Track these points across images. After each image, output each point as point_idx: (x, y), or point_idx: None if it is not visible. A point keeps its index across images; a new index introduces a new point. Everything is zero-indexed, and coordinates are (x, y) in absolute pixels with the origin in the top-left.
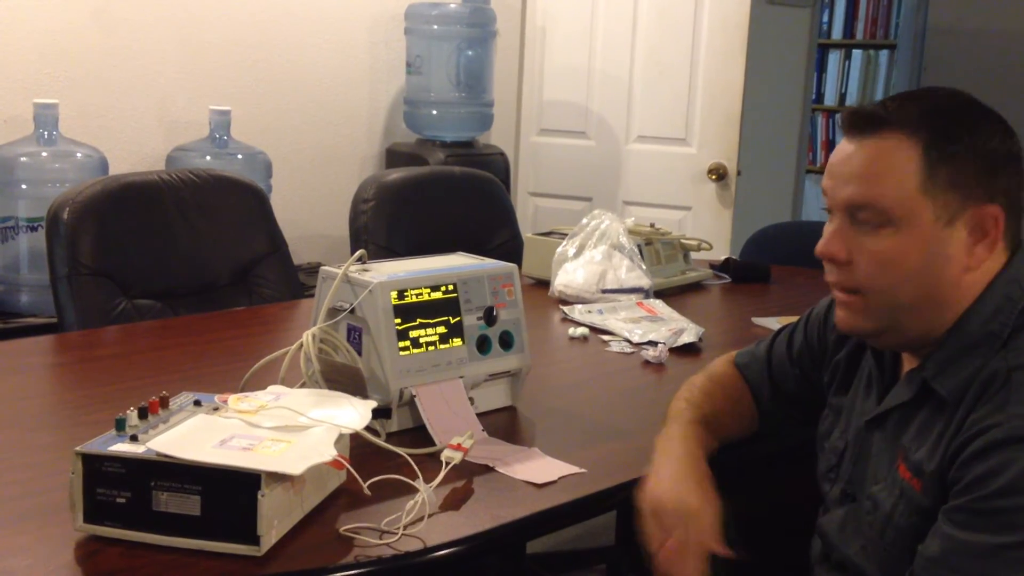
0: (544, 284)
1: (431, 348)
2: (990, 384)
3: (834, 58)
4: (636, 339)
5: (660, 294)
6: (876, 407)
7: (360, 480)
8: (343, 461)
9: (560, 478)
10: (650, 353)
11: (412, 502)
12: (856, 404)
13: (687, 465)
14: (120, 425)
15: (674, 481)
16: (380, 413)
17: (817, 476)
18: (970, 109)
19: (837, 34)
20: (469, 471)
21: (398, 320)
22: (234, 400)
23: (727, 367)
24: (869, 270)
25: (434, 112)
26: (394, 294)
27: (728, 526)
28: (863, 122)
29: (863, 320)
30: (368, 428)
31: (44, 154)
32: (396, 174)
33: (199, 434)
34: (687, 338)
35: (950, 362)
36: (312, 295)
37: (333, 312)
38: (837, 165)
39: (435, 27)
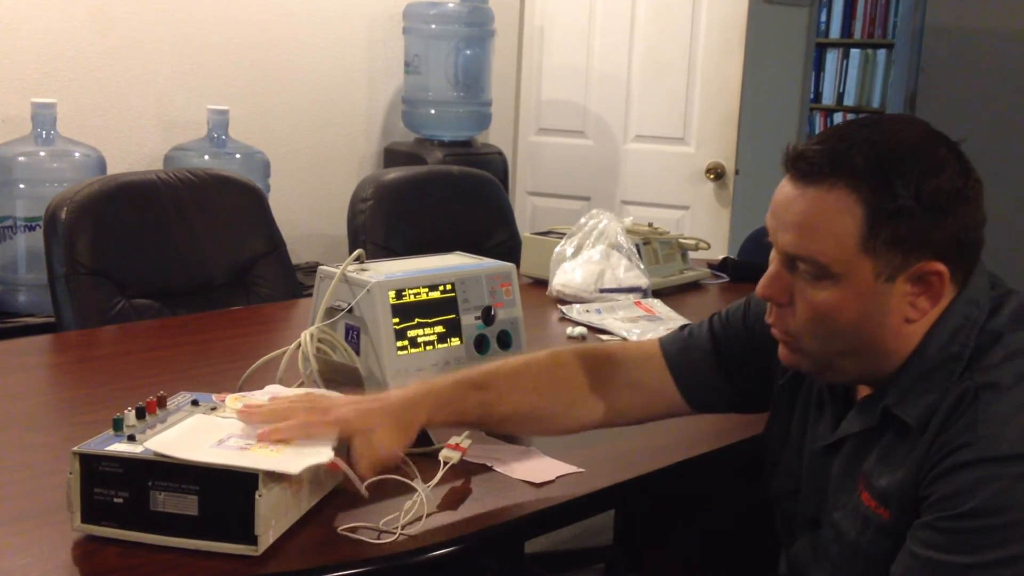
0: (542, 283)
1: (429, 347)
2: (958, 405)
3: (832, 57)
4: (634, 338)
5: (658, 293)
6: (831, 431)
7: (357, 481)
8: (340, 463)
9: (558, 477)
10: None
11: (410, 502)
12: (807, 424)
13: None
14: (117, 425)
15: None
16: None
17: (770, 492)
18: (920, 151)
19: (835, 33)
20: (467, 470)
21: (396, 319)
22: (232, 400)
23: (595, 349)
24: (805, 318)
25: (432, 111)
26: (392, 293)
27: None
28: (806, 169)
29: (800, 359)
30: None
31: (42, 154)
32: (394, 173)
33: (196, 434)
34: None
35: (911, 388)
36: (310, 294)
37: (331, 312)
38: (778, 207)
39: (433, 26)
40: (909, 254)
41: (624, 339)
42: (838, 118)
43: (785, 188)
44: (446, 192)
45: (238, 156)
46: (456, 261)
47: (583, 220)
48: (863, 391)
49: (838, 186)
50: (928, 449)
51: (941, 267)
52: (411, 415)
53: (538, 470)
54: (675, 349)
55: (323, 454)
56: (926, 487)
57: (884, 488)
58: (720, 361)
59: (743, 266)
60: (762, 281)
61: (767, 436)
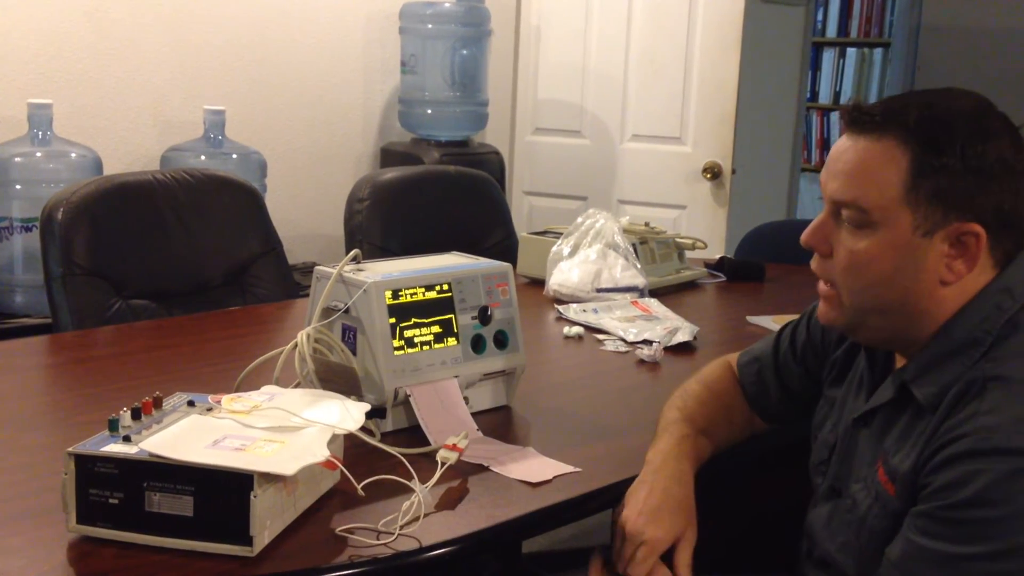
0: (539, 283)
1: (426, 348)
2: (967, 392)
3: (828, 56)
4: (631, 338)
5: (655, 293)
6: (864, 404)
7: (354, 481)
8: (336, 462)
9: (555, 477)
10: (645, 352)
11: (408, 502)
12: (848, 399)
13: (671, 493)
14: (113, 426)
15: (651, 510)
16: (375, 413)
17: (809, 468)
18: (972, 117)
19: (831, 32)
20: (464, 471)
21: (393, 320)
22: (227, 400)
23: (722, 372)
24: (843, 266)
25: (429, 111)
26: (389, 294)
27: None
28: (861, 120)
29: (838, 313)
30: (363, 428)
31: (38, 154)
32: (391, 173)
33: (192, 434)
34: (682, 337)
35: (931, 366)
36: (307, 295)
37: (328, 312)
38: (832, 158)
39: (430, 26)
40: (949, 212)
41: (621, 339)
42: (835, 117)
43: (841, 141)
44: (443, 192)
45: (234, 156)
46: (453, 261)
47: (580, 220)
48: (899, 364)
49: (887, 137)
50: (933, 435)
51: (979, 229)
52: (685, 505)
53: (535, 470)
54: (745, 360)
55: (318, 454)
56: (926, 475)
57: (895, 466)
58: (776, 367)
59: (740, 265)
60: (807, 229)
61: (815, 416)
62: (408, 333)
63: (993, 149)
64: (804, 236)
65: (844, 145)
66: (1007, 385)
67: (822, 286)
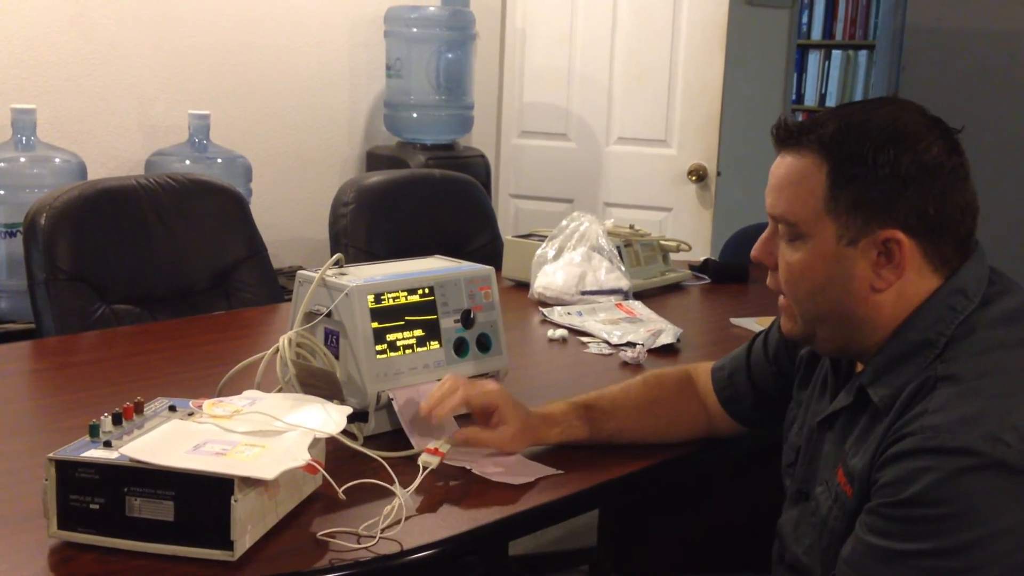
0: (524, 286)
1: (409, 351)
2: (918, 393)
3: (814, 58)
4: (615, 340)
5: (639, 295)
6: (828, 407)
7: (335, 485)
8: (316, 465)
9: (537, 479)
10: (628, 354)
11: (389, 506)
12: (812, 401)
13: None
14: (94, 431)
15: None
16: (357, 417)
17: (781, 470)
18: (891, 123)
19: (816, 34)
20: (446, 473)
21: (375, 323)
22: (209, 405)
23: (668, 371)
24: (784, 279)
25: (414, 115)
26: (371, 297)
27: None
28: (784, 136)
29: (793, 324)
30: (345, 432)
31: (22, 159)
32: (376, 177)
33: (173, 439)
34: (665, 339)
35: (886, 369)
36: (291, 299)
37: (310, 316)
38: (770, 174)
39: (415, 30)
40: (870, 220)
41: (605, 341)
42: None
43: (778, 157)
44: (428, 195)
45: (219, 161)
46: (435, 264)
47: (564, 222)
48: (860, 368)
49: (807, 150)
50: (885, 434)
51: (901, 236)
52: (535, 432)
53: (517, 472)
54: (719, 365)
55: (299, 458)
56: (876, 472)
57: (852, 466)
58: (749, 368)
59: (724, 268)
60: (755, 245)
61: (786, 418)
62: (391, 337)
63: (907, 155)
64: (753, 251)
65: (776, 161)
66: (956, 384)
67: (781, 299)
